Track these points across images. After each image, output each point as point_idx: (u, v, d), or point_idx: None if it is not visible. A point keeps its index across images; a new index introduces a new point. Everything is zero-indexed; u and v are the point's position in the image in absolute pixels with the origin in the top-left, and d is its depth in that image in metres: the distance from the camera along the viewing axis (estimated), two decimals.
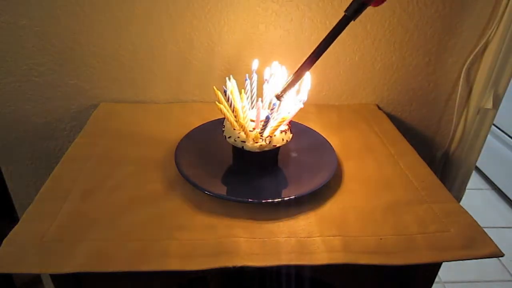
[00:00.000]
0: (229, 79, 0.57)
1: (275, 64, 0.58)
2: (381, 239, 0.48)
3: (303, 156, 0.62)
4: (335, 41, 0.81)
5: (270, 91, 0.57)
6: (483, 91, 0.86)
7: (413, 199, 0.56)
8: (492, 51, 0.81)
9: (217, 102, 0.54)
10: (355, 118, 0.79)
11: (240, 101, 0.55)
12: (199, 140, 0.64)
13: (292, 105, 0.53)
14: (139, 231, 0.48)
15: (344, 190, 0.57)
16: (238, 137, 0.54)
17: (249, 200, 0.51)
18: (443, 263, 0.48)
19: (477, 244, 0.48)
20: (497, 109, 0.88)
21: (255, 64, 0.59)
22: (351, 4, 0.47)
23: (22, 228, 0.47)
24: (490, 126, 0.90)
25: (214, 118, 0.69)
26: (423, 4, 0.76)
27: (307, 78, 0.53)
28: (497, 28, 0.79)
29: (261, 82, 0.58)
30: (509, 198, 1.60)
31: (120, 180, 0.57)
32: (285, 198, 0.52)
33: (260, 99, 0.56)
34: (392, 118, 0.85)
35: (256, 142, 0.53)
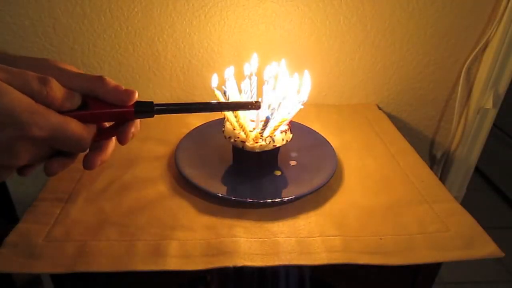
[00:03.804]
0: (229, 79, 0.56)
1: (275, 64, 0.58)
2: (381, 239, 0.48)
3: (303, 156, 0.62)
4: (335, 41, 0.81)
5: (270, 91, 0.56)
6: (483, 91, 0.86)
7: (413, 199, 0.56)
8: (492, 51, 0.81)
9: None
10: (355, 118, 0.79)
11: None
12: (199, 140, 0.64)
13: (292, 105, 0.53)
14: (139, 231, 0.48)
15: (344, 190, 0.57)
16: (238, 137, 0.54)
17: (249, 200, 0.51)
18: (443, 263, 0.48)
19: (477, 244, 0.48)
20: (497, 109, 0.88)
21: (254, 60, 0.58)
22: None
23: (22, 228, 0.47)
24: (490, 126, 0.90)
25: (214, 118, 0.70)
26: (423, 4, 0.76)
27: (307, 79, 0.53)
28: (497, 28, 0.79)
29: (261, 83, 0.57)
30: (509, 198, 1.60)
31: (120, 180, 0.57)
32: (285, 198, 0.52)
33: (260, 99, 0.56)
34: (392, 118, 0.85)
35: (256, 142, 0.53)
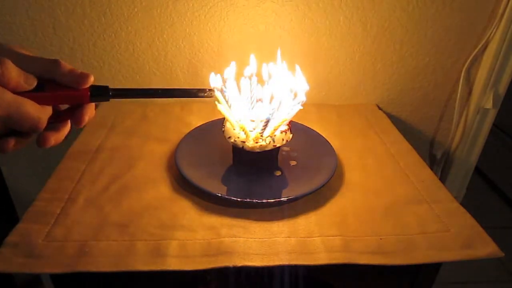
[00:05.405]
0: (229, 78, 0.56)
1: (274, 64, 0.58)
2: (381, 239, 0.48)
3: (303, 156, 0.62)
4: (335, 41, 0.81)
5: (269, 91, 0.56)
6: (483, 91, 0.86)
7: (413, 199, 0.56)
8: (492, 51, 0.81)
9: (217, 102, 0.54)
10: (355, 118, 0.79)
11: (240, 101, 0.55)
12: (199, 140, 0.64)
13: (291, 106, 0.53)
14: (139, 231, 0.48)
15: (344, 190, 0.57)
16: (238, 137, 0.54)
17: (249, 200, 0.51)
18: (443, 263, 0.48)
19: (477, 244, 0.48)
20: (497, 109, 0.88)
21: (252, 60, 0.58)
22: None
23: (22, 228, 0.47)
24: (490, 126, 0.90)
25: (214, 118, 0.70)
26: (423, 4, 0.76)
27: (303, 79, 0.53)
28: (497, 28, 0.79)
29: (261, 83, 0.57)
30: (509, 198, 1.60)
31: (120, 180, 0.57)
32: (285, 198, 0.52)
33: (260, 99, 0.56)
34: (392, 118, 0.85)
35: (256, 142, 0.53)
